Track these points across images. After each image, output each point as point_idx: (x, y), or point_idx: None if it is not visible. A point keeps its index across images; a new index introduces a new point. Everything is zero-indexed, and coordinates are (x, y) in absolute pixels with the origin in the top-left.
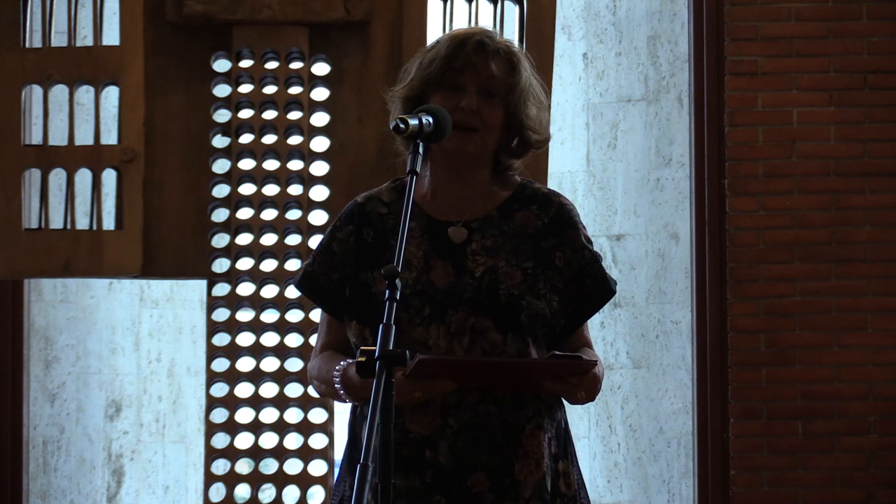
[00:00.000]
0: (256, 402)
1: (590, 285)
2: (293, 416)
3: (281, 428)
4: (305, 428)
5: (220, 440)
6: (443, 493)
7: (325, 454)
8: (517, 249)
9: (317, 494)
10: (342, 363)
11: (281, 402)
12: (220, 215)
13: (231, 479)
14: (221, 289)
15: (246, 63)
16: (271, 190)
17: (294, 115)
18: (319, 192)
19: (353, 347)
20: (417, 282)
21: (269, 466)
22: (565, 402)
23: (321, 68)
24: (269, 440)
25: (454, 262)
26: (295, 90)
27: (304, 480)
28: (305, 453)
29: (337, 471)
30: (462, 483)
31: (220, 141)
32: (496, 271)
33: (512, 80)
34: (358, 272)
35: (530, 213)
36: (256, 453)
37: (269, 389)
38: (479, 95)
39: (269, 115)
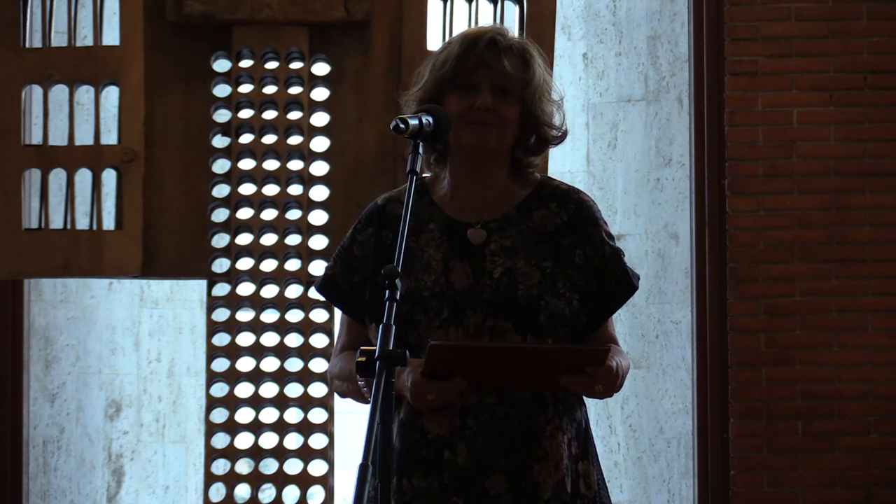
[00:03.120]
0: (256, 402)
1: (611, 282)
2: (293, 416)
3: (281, 428)
4: (305, 428)
5: (220, 440)
6: (461, 495)
7: (325, 454)
8: (536, 249)
9: (317, 494)
10: None
11: (281, 402)
12: (220, 215)
13: (231, 479)
14: (221, 289)
15: (246, 63)
16: (271, 190)
17: (294, 115)
18: (319, 192)
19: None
20: (436, 284)
21: (269, 466)
22: (586, 402)
23: (321, 68)
24: (269, 440)
25: (473, 263)
26: (295, 90)
27: (304, 480)
28: (305, 453)
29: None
30: (480, 485)
31: (220, 141)
32: (515, 272)
33: (526, 76)
34: (376, 274)
35: (549, 211)
36: (256, 453)
37: (269, 389)
38: (494, 93)
39: (269, 115)
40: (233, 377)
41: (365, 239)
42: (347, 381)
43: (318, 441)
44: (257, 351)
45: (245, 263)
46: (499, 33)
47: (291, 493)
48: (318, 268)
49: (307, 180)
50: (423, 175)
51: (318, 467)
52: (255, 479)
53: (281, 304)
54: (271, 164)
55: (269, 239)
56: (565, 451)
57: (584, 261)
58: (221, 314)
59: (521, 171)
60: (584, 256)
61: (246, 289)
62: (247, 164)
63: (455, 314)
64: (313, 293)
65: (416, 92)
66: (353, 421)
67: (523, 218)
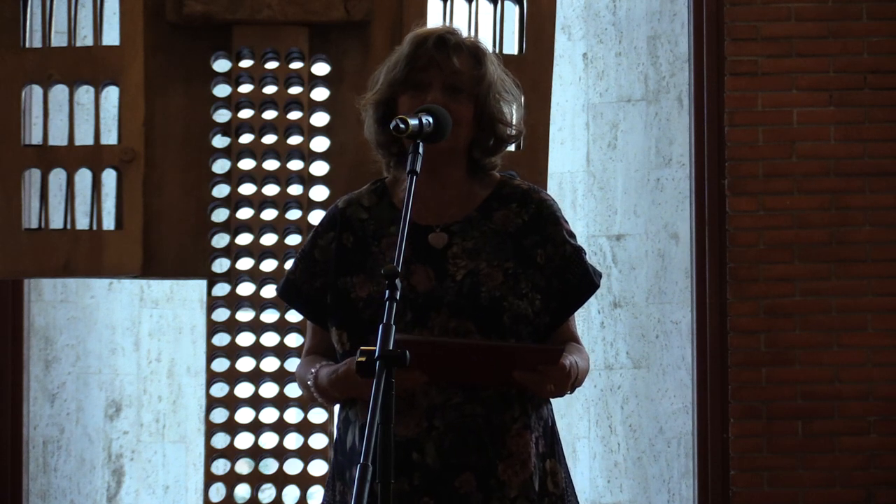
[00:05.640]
0: (256, 402)
1: (572, 280)
2: (293, 416)
3: (281, 428)
4: (305, 428)
5: (220, 440)
6: (431, 495)
7: (325, 454)
8: (498, 249)
9: (317, 494)
10: (314, 368)
11: (281, 402)
12: (220, 215)
13: (231, 479)
14: (221, 289)
15: (246, 63)
16: (271, 190)
17: (294, 115)
18: (319, 192)
19: (335, 352)
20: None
21: (269, 466)
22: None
23: (321, 68)
24: (269, 440)
25: (435, 266)
26: (295, 90)
27: (304, 480)
28: (305, 453)
29: None
30: (449, 484)
31: (220, 141)
32: (477, 273)
33: (477, 73)
34: (337, 278)
35: (510, 211)
36: (256, 453)
37: (269, 389)
38: (445, 92)
39: (269, 115)
40: (233, 377)
41: (326, 243)
42: (305, 389)
43: (318, 441)
44: (257, 351)
45: (245, 263)
46: (449, 32)
47: (291, 493)
48: None
49: (307, 180)
50: (384, 178)
51: (318, 467)
52: (255, 479)
53: (281, 304)
54: (271, 164)
55: (269, 239)
56: (533, 450)
57: (546, 260)
58: (221, 314)
59: (479, 171)
60: (545, 256)
61: (246, 289)
62: (247, 164)
63: (419, 317)
64: (287, 303)
65: (372, 95)
66: None
67: (484, 219)
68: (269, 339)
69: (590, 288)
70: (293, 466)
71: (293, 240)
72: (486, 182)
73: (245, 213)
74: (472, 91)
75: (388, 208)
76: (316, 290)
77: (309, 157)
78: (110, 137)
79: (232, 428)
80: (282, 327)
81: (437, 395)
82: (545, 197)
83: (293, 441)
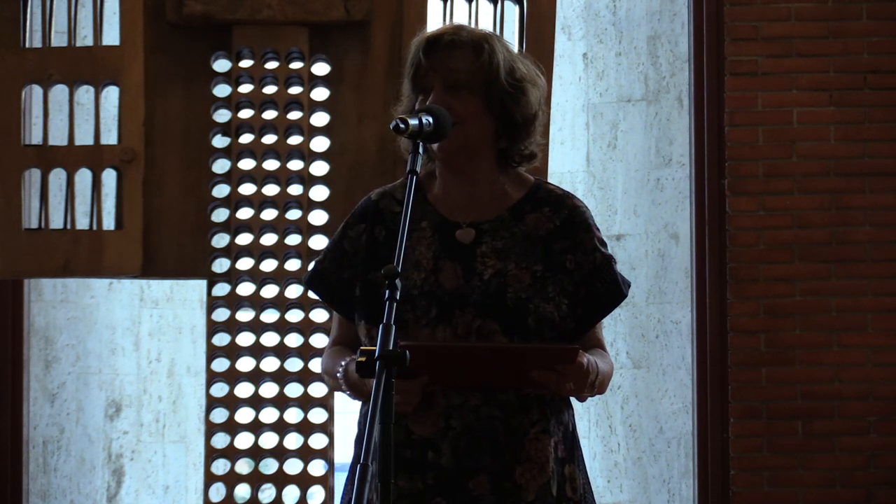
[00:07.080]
0: (256, 402)
1: (600, 289)
2: (293, 416)
3: (281, 428)
4: (305, 428)
5: (220, 440)
6: (444, 496)
7: (325, 454)
8: (528, 252)
9: (317, 494)
10: (344, 361)
11: (281, 402)
12: (220, 215)
13: (231, 479)
14: (221, 289)
15: (246, 63)
16: (271, 190)
17: (294, 115)
18: (319, 192)
19: (361, 345)
20: (426, 283)
21: (269, 466)
22: (574, 404)
23: (321, 68)
24: (269, 440)
25: (463, 263)
26: (295, 90)
27: (304, 480)
28: (305, 453)
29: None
30: (463, 485)
31: (220, 141)
32: (505, 274)
33: (476, 65)
34: (368, 271)
35: (542, 215)
36: (256, 453)
37: (269, 389)
38: (446, 91)
39: (269, 115)
40: (233, 377)
41: (356, 235)
42: (333, 380)
43: (318, 441)
44: (257, 351)
45: (245, 263)
46: (443, 32)
47: (291, 493)
48: None
49: (307, 180)
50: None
51: (317, 467)
52: (255, 479)
53: (281, 304)
54: (271, 164)
55: (269, 239)
56: (552, 454)
57: (575, 266)
58: (221, 314)
59: (511, 162)
60: (574, 262)
61: (246, 289)
62: (247, 164)
63: (443, 314)
64: (314, 293)
65: (402, 106)
66: (353, 421)
67: (516, 221)
68: (269, 339)
69: (617, 297)
70: (293, 466)
71: (293, 240)
72: (519, 183)
73: (245, 213)
74: (475, 84)
75: (421, 203)
76: (343, 280)
77: (309, 157)
78: (110, 137)
79: (232, 428)
80: (282, 327)
81: (455, 395)
82: (578, 203)
83: (293, 441)
